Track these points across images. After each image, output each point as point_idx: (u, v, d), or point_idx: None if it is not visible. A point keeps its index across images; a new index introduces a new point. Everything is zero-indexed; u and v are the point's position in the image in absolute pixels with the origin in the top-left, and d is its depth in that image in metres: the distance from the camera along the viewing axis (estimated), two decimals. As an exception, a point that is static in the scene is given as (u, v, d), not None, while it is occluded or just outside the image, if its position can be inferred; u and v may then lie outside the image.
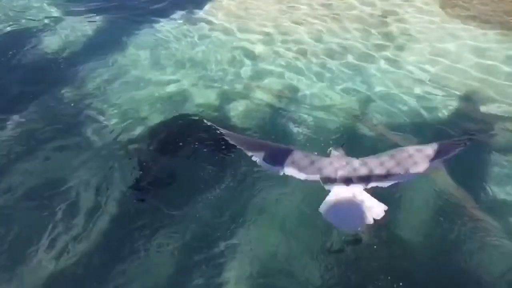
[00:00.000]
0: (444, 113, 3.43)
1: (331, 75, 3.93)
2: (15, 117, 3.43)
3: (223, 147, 3.05)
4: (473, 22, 4.58)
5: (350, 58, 4.16)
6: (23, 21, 4.99)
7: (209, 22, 4.92)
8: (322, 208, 2.26)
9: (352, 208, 2.18)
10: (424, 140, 3.05)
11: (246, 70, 4.10)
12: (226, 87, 3.85)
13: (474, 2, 4.95)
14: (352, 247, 2.48)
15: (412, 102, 3.54)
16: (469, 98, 3.60)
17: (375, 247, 2.43)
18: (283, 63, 4.14)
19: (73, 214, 2.65)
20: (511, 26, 4.47)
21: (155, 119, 3.43)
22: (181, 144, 3.15)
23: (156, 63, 4.22)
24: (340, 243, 2.48)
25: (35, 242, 2.50)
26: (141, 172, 2.93)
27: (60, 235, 2.54)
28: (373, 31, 4.55)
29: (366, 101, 3.60)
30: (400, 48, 4.26)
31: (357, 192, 2.20)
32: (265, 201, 2.71)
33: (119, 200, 2.75)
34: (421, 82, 3.79)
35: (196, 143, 3.13)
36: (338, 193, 2.23)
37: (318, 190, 2.49)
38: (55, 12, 5.18)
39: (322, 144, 3.05)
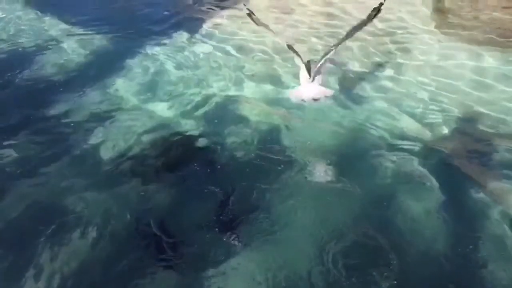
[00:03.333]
0: (443, 129, 3.50)
1: (332, 93, 3.94)
2: (13, 139, 3.42)
3: (222, 166, 3.13)
4: (468, 41, 4.70)
5: (350, 76, 4.24)
6: (24, 42, 5.04)
7: (208, 42, 5.01)
8: (290, 94, 3.78)
9: (310, 90, 3.53)
10: (425, 155, 3.18)
11: (245, 88, 4.14)
12: (225, 105, 3.89)
13: (469, 22, 5.12)
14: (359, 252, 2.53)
15: (412, 118, 3.60)
16: (467, 115, 3.66)
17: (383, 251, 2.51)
18: (282, 79, 4.20)
19: (72, 237, 2.62)
20: (505, 45, 4.61)
21: (155, 140, 3.44)
22: (181, 164, 3.18)
23: (155, 83, 4.24)
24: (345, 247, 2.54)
25: (33, 264, 2.46)
26: (142, 194, 2.92)
27: (59, 257, 2.51)
28: (372, 50, 4.65)
29: (365, 116, 3.66)
30: (398, 67, 4.34)
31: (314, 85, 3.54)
32: (266, 218, 2.73)
33: (120, 223, 2.73)
34: (420, 100, 3.84)
35: (196, 163, 3.16)
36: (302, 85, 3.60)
37: (325, 209, 2.68)
38: (54, 33, 5.23)
39: (319, 157, 3.17)
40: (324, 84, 3.61)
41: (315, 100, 3.53)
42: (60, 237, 2.62)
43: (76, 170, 3.13)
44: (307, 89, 3.51)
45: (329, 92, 3.50)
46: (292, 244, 2.57)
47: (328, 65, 3.71)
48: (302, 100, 3.58)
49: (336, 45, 3.34)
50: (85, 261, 2.51)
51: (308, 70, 3.47)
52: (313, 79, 3.47)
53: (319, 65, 3.45)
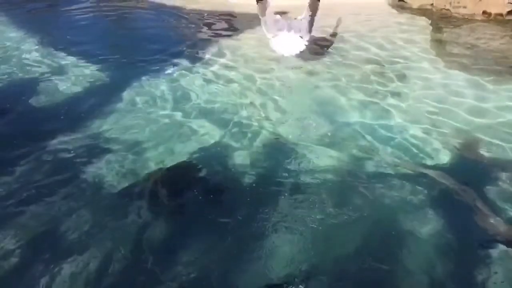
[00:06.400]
0: (444, 155, 3.63)
1: (339, 120, 4.11)
2: (15, 168, 3.48)
3: (226, 194, 3.23)
4: (467, 69, 4.92)
5: (351, 103, 4.40)
6: (29, 68, 5.09)
7: (220, 66, 5.14)
8: (272, 44, 4.92)
9: (289, 40, 4.81)
10: (426, 181, 3.31)
11: (256, 112, 4.23)
12: (235, 129, 3.98)
13: (468, 50, 5.41)
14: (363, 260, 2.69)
15: (413, 145, 3.75)
16: (468, 142, 3.81)
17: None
18: (292, 102, 4.36)
19: (68, 267, 2.63)
20: (503, 72, 4.86)
21: (160, 164, 3.49)
22: (184, 192, 3.24)
23: (163, 107, 4.31)
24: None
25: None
26: (144, 224, 2.98)
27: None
28: (373, 78, 4.84)
29: (367, 142, 3.81)
30: (399, 95, 4.51)
31: (292, 34, 4.83)
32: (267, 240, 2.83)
33: (118, 253, 2.75)
34: (421, 126, 4.01)
35: (200, 191, 3.23)
36: (282, 36, 4.85)
37: (331, 237, 2.84)
38: (61, 59, 5.31)
39: (325, 183, 3.29)
40: (298, 40, 4.81)
41: (292, 51, 4.83)
42: (57, 266, 2.62)
43: (77, 198, 3.12)
44: (284, 43, 4.82)
45: (302, 43, 4.78)
46: (298, 274, 2.60)
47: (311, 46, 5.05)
48: (282, 52, 4.86)
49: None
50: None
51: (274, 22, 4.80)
52: (289, 31, 4.77)
53: (295, 20, 4.81)
